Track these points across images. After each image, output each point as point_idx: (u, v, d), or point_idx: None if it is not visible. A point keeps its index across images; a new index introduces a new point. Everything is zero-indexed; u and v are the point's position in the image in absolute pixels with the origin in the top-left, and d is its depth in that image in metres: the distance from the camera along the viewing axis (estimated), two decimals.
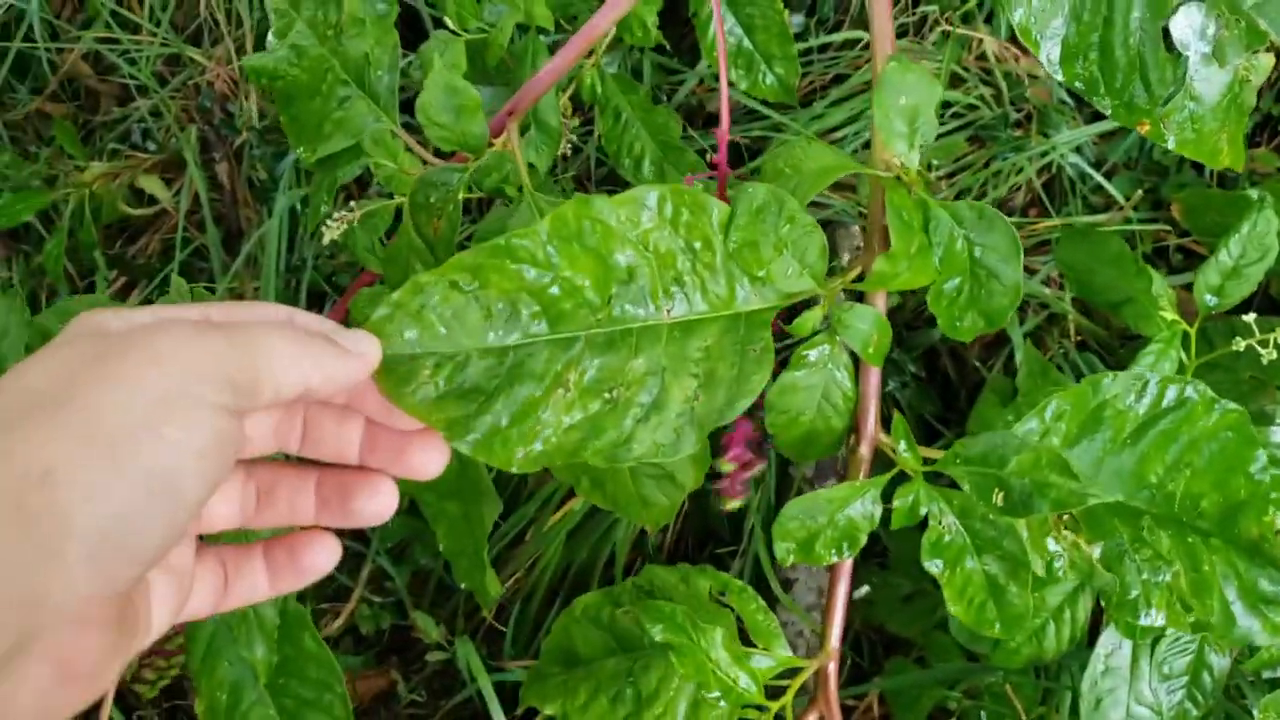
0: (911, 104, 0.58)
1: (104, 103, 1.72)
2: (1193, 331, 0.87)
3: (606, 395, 0.51)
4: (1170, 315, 0.86)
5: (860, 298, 0.63)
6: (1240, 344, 0.84)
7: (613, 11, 0.65)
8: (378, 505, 0.48)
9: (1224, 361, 0.92)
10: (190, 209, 1.59)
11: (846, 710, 1.31)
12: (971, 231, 0.59)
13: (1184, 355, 0.86)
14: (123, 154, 1.65)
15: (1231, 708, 0.98)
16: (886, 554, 1.37)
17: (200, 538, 0.49)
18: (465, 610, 1.40)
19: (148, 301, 1.58)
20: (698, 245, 0.54)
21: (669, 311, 0.53)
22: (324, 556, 0.49)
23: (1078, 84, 0.60)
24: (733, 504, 0.67)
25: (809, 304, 0.59)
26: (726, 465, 0.65)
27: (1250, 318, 0.84)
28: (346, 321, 0.80)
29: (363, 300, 0.74)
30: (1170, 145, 0.59)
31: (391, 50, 0.67)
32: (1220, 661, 0.87)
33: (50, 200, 1.54)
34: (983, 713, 1.10)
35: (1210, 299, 0.86)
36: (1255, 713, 0.85)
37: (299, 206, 1.48)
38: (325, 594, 1.42)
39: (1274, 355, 0.81)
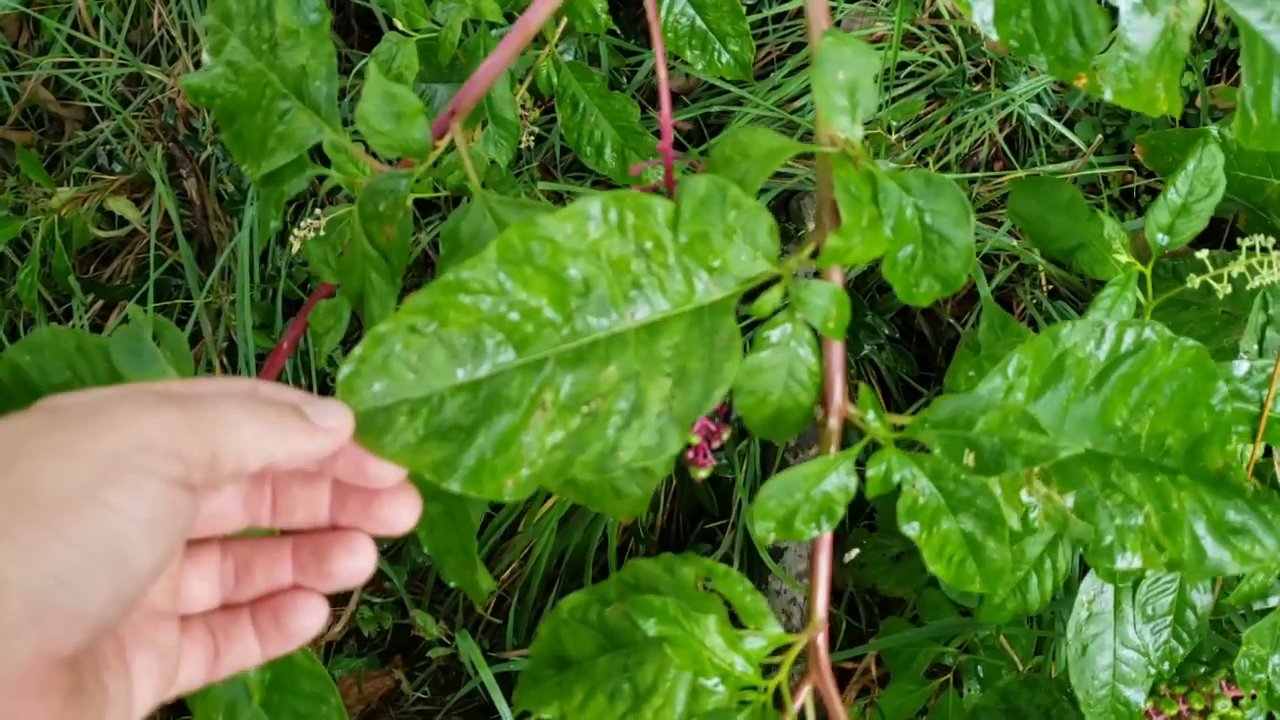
0: (850, 78, 0.58)
1: (68, 127, 1.72)
2: (1148, 272, 0.87)
3: (585, 409, 0.51)
4: (1124, 258, 0.86)
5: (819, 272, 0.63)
6: (1195, 281, 0.84)
7: (543, 8, 0.65)
8: (356, 564, 0.48)
9: (1195, 298, 0.93)
10: (161, 227, 1.59)
11: (846, 673, 1.33)
12: (920, 199, 0.60)
13: (1140, 296, 0.86)
14: (90, 177, 1.65)
15: (1224, 642, 0.99)
16: (875, 516, 1.39)
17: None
18: (465, 605, 1.41)
19: (125, 323, 1.58)
20: (649, 246, 0.54)
21: (632, 316, 0.53)
22: (309, 618, 0.49)
23: (1012, 42, 0.60)
24: (702, 473, 0.68)
25: (769, 285, 0.59)
26: (693, 438, 0.66)
27: (1204, 254, 0.84)
28: (305, 334, 0.80)
29: (321, 312, 0.74)
30: (1108, 97, 0.59)
31: (328, 60, 0.66)
32: (1203, 598, 0.88)
33: (20, 229, 1.54)
34: (979, 666, 1.12)
35: (1161, 238, 0.85)
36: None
37: None
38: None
39: (1229, 290, 0.82)
